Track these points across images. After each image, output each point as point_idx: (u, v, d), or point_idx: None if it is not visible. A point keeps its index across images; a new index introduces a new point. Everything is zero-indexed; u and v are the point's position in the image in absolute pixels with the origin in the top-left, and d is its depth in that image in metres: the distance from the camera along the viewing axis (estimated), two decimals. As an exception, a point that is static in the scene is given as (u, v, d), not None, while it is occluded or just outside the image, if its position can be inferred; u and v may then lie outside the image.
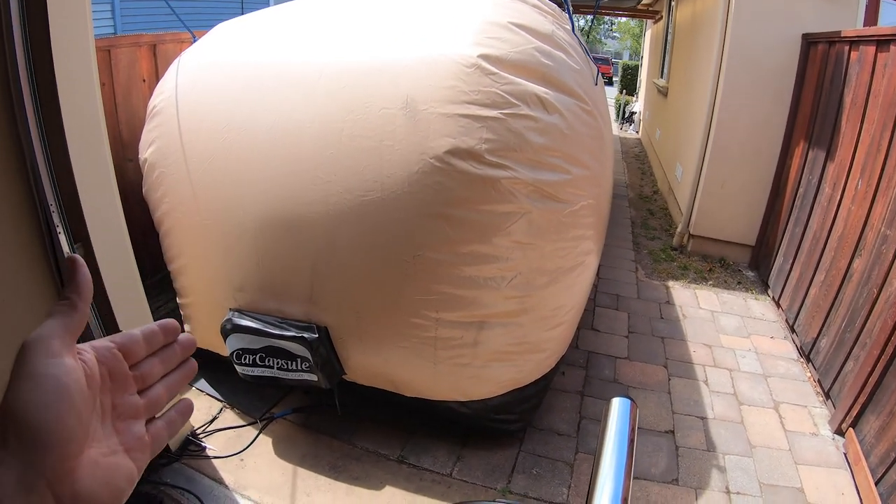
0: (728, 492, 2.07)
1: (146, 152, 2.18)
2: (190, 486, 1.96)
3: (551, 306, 2.00)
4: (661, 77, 7.84)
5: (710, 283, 3.93)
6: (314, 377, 1.95)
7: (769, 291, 3.71)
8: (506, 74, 1.69)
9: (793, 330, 3.14)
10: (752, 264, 4.19)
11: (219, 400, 2.41)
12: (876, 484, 1.93)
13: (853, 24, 3.48)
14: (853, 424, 2.22)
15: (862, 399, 2.15)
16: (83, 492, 0.31)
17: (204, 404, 2.39)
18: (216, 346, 2.27)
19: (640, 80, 12.07)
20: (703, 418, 2.47)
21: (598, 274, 2.81)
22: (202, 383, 2.50)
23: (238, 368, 2.03)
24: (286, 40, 2.10)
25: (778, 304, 3.48)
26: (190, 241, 2.14)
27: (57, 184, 1.61)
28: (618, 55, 29.01)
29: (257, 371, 2.00)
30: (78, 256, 0.38)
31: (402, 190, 1.69)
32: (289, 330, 1.91)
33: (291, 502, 1.94)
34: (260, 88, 1.95)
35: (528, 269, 1.86)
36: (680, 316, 3.43)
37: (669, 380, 2.75)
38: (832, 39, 3.14)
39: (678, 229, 4.57)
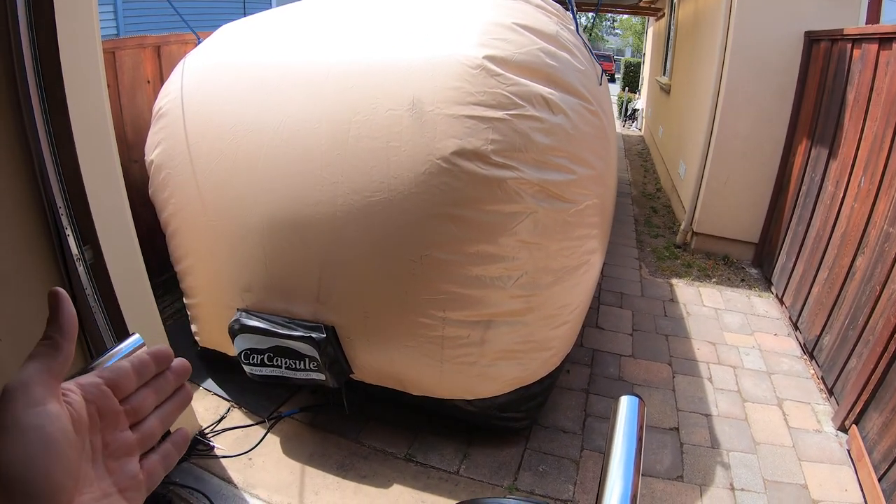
0: (732, 488, 2.08)
1: (152, 154, 2.19)
2: (199, 486, 1.98)
3: (557, 305, 2.01)
4: (664, 74, 7.83)
5: (714, 280, 3.94)
6: (322, 376, 1.97)
7: (772, 289, 3.72)
8: (511, 75, 1.70)
9: (796, 327, 3.15)
10: (755, 262, 4.20)
11: (226, 399, 2.43)
12: (879, 480, 1.95)
13: (855, 22, 3.48)
14: (856, 421, 2.23)
15: (865, 396, 2.16)
16: None
17: (211, 404, 2.41)
18: (223, 346, 2.29)
19: (643, 78, 12.04)
20: (708, 415, 2.48)
21: (602, 272, 2.82)
22: (209, 383, 2.52)
23: (246, 368, 2.05)
24: (292, 41, 2.11)
25: (781, 302, 3.49)
26: (197, 241, 2.15)
27: (65, 186, 1.62)
28: (619, 52, 28.93)
29: (265, 371, 2.02)
30: (61, 290, 0.35)
31: (409, 190, 1.70)
32: (297, 330, 1.92)
33: (300, 501, 1.96)
34: (266, 89, 1.96)
35: (534, 269, 1.87)
36: (684, 313, 3.44)
37: (674, 377, 2.76)
38: (834, 37, 3.14)
39: (681, 227, 4.58)
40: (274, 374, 2.02)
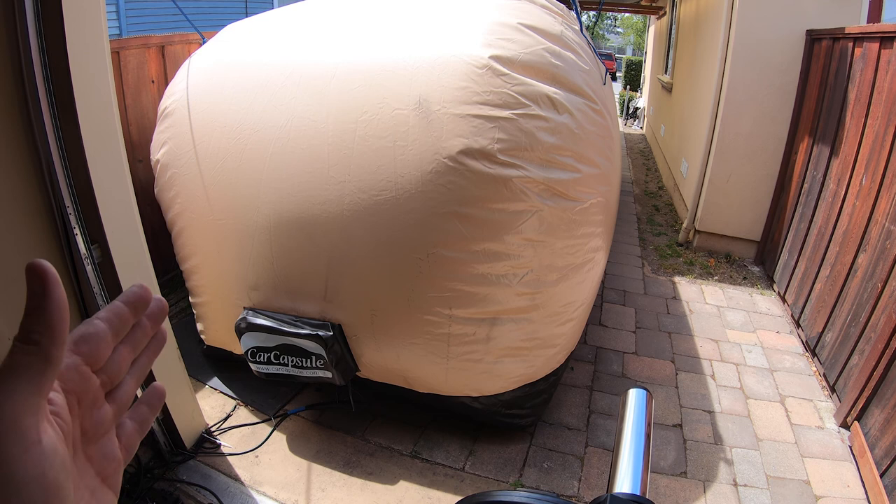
0: (735, 484, 2.10)
1: (158, 153, 2.20)
2: (206, 483, 2.00)
3: (561, 302, 2.03)
4: (666, 73, 7.84)
5: (716, 278, 3.96)
6: (329, 374, 1.98)
7: (775, 286, 3.73)
8: (517, 75, 1.72)
9: (798, 325, 3.16)
10: (757, 259, 4.21)
11: (232, 398, 2.45)
12: (881, 476, 1.96)
13: (857, 21, 3.49)
14: (858, 418, 2.25)
15: (867, 393, 2.17)
16: None
17: (218, 402, 2.42)
18: (229, 344, 2.31)
19: (644, 76, 12.05)
20: (711, 412, 2.50)
21: (605, 270, 2.84)
22: (215, 381, 2.53)
23: (252, 366, 2.06)
24: (297, 41, 2.11)
25: (783, 299, 3.50)
26: (203, 240, 2.16)
27: (74, 185, 1.63)
28: (621, 50, 28.95)
29: (272, 369, 2.03)
30: (46, 266, 0.25)
31: (415, 189, 1.71)
32: (304, 328, 1.94)
33: (307, 498, 1.97)
34: (272, 89, 1.97)
35: (539, 266, 1.88)
36: (686, 311, 3.46)
37: (677, 374, 2.78)
38: (836, 36, 3.15)
39: (684, 225, 4.59)
40: (280, 372, 2.03)
